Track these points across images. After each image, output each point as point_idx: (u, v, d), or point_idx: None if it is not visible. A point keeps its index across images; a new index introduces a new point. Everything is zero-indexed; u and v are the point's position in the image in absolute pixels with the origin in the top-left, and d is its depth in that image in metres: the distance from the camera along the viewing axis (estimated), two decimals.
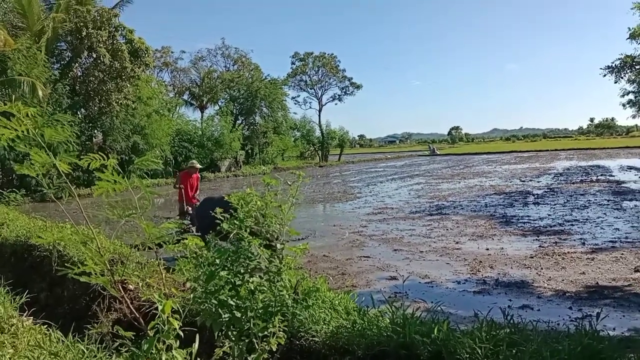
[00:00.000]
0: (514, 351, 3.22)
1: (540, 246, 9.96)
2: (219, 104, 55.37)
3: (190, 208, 11.22)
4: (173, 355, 2.64)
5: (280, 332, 2.64)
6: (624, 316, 6.02)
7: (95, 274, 2.82)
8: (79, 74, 31.70)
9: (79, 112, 31.88)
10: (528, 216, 13.78)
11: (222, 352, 2.78)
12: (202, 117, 51.75)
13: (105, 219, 3.23)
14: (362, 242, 11.41)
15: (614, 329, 4.40)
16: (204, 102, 54.28)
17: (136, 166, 3.56)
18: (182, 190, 11.40)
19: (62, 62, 31.65)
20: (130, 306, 3.04)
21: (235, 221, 2.64)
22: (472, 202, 17.52)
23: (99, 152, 2.99)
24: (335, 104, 68.00)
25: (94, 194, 2.99)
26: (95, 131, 33.64)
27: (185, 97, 54.64)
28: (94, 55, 30.13)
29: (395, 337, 3.69)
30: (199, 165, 12.15)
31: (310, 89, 66.10)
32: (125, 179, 2.93)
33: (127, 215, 2.90)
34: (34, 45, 25.78)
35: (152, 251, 3.07)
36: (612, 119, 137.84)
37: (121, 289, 3.04)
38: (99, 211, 3.25)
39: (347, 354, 3.83)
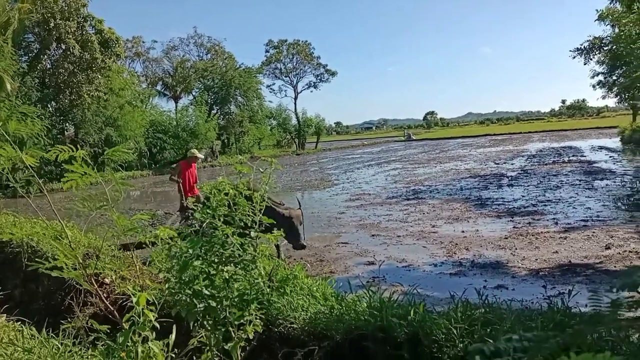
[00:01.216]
0: (488, 330, 3.29)
1: (514, 227, 10.14)
2: (193, 93, 54.73)
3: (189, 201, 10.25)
4: (149, 347, 2.63)
5: (257, 320, 2.64)
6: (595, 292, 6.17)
7: (67, 268, 2.78)
8: (48, 66, 31.00)
9: (49, 105, 31.22)
10: (502, 198, 13.99)
11: (196, 342, 2.77)
12: (176, 108, 51.07)
13: (78, 213, 3.18)
14: (340, 228, 11.46)
15: (585, 305, 4.51)
16: (178, 92, 53.56)
17: (107, 157, 3.48)
18: (180, 183, 10.14)
19: (30, 55, 30.88)
20: (104, 299, 3.01)
21: (208, 210, 2.62)
22: (448, 186, 17.71)
23: (70, 146, 2.93)
24: (311, 91, 67.72)
25: (63, 186, 2.93)
26: (67, 124, 33.04)
27: (159, 87, 53.84)
28: (63, 47, 29.47)
29: (373, 320, 3.73)
30: (201, 155, 10.83)
31: (285, 76, 65.66)
32: (97, 171, 2.88)
33: (98, 207, 2.85)
34: (0, 38, 25.05)
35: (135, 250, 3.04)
36: (583, 100, 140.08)
37: (94, 282, 3.00)
38: (71, 205, 3.20)
39: (325, 339, 3.86)
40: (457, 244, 9.11)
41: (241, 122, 53.45)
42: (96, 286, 2.89)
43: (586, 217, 10.65)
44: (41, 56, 30.17)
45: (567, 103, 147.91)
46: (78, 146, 2.89)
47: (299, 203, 8.81)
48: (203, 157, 10.69)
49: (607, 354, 1.01)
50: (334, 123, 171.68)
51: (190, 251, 2.47)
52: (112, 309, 3.12)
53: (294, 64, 65.28)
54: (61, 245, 2.89)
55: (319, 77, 66.20)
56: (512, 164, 24.65)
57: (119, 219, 2.70)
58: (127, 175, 31.41)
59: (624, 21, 18.72)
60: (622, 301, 1.97)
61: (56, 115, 31.30)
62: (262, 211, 8.85)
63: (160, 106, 49.92)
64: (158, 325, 2.79)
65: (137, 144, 35.98)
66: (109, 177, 2.93)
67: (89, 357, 3.09)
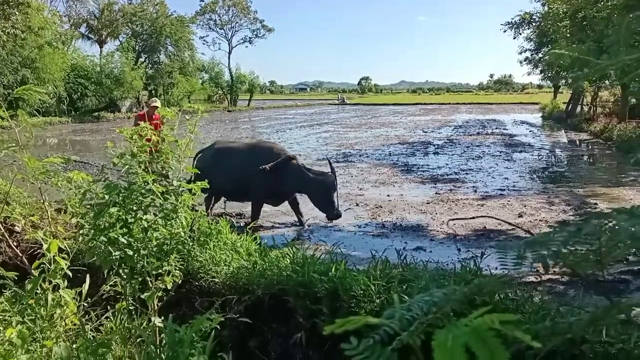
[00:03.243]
0: (404, 287, 3.42)
1: (436, 193, 10.52)
2: (120, 39, 51.83)
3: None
4: (60, 294, 2.53)
5: (176, 271, 2.59)
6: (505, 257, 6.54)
7: None
8: None
9: None
10: (428, 165, 14.45)
11: (112, 291, 2.70)
12: (100, 53, 48.16)
13: None
14: None
15: (495, 268, 4.80)
16: (103, 37, 50.39)
17: (17, 95, 3.18)
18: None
19: None
20: (12, 244, 2.84)
21: (127, 155, 2.51)
22: (377, 151, 18.04)
23: None
24: (246, 46, 66.30)
25: None
26: None
27: (82, 30, 50.44)
28: None
29: (295, 276, 3.79)
30: (157, 104, 9.63)
31: (220, 29, 63.52)
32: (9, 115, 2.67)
33: (5, 148, 2.66)
34: None
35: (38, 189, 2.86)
36: (510, 76, 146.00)
37: (2, 227, 2.82)
38: None
39: (247, 293, 3.88)
40: (382, 207, 9.35)
41: (170, 73, 51.32)
42: (3, 230, 2.71)
43: (503, 186, 11.21)
44: None
45: (495, 78, 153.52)
46: None
47: (332, 168, 8.16)
48: (159, 105, 9.67)
49: (512, 315, 1.06)
50: (268, 82, 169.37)
51: (107, 197, 2.36)
52: (21, 256, 2.96)
53: (230, 16, 63.25)
54: None
55: (255, 33, 64.70)
56: (439, 133, 25.42)
57: (30, 160, 2.53)
58: (44, 121, 29.60)
59: None
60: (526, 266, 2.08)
61: None
62: (294, 177, 8.45)
63: (84, 50, 47.09)
64: (70, 274, 2.68)
65: (56, 88, 33.85)
66: (20, 119, 2.73)
67: None
